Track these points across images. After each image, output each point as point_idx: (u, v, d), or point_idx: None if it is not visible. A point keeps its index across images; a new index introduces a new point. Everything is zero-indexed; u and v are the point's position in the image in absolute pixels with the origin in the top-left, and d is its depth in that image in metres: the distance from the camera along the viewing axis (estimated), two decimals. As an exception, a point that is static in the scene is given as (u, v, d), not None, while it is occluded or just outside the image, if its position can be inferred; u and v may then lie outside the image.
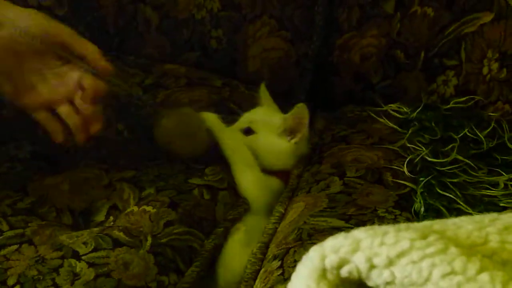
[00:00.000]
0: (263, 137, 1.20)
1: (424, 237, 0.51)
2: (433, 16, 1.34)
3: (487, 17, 1.32)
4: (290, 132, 1.20)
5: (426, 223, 0.56)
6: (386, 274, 0.50)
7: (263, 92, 1.28)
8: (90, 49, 1.00)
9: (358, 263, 0.51)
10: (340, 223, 0.98)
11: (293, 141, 1.20)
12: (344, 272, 0.52)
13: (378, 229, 0.52)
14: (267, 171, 1.19)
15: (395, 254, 0.50)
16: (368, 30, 1.39)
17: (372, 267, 0.50)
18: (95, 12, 1.49)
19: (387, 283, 0.50)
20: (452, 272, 0.48)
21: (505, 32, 1.31)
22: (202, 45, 1.47)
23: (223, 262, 1.06)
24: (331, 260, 0.52)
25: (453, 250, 0.49)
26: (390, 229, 0.52)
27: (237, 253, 1.05)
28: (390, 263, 0.50)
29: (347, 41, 1.41)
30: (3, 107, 1.20)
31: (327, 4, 1.41)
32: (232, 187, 1.16)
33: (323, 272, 0.52)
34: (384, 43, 1.38)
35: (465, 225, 0.56)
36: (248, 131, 1.21)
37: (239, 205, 1.15)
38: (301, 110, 1.19)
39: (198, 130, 1.17)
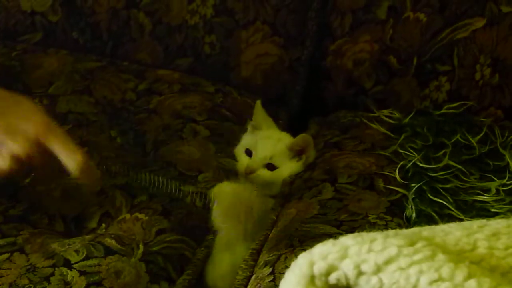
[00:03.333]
0: (284, 169, 1.19)
1: (412, 243, 0.51)
2: (425, 22, 1.35)
3: (479, 23, 1.32)
4: (297, 153, 1.20)
5: (415, 229, 0.57)
6: (374, 281, 0.50)
7: (259, 111, 1.24)
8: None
9: (346, 269, 0.51)
10: (332, 229, 0.98)
11: (300, 162, 1.20)
12: (332, 278, 0.52)
13: (366, 236, 0.52)
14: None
15: (383, 261, 0.50)
16: (361, 36, 1.39)
17: (360, 273, 0.51)
18: (89, 18, 1.49)
19: (375, 290, 0.50)
20: (440, 279, 0.48)
21: (497, 38, 1.32)
22: (195, 51, 1.47)
23: (210, 267, 1.05)
24: (319, 267, 0.52)
25: (440, 256, 0.50)
26: (378, 235, 0.52)
27: (222, 258, 1.05)
28: (378, 269, 0.50)
29: (340, 47, 1.41)
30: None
31: (320, 10, 1.41)
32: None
33: (311, 279, 0.52)
34: (376, 48, 1.38)
35: (453, 232, 0.56)
36: (271, 167, 1.20)
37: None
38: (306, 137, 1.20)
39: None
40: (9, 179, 0.94)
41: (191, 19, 1.46)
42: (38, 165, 0.93)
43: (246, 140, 1.22)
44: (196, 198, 1.09)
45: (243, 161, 1.19)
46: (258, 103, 1.25)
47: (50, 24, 1.51)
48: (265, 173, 1.17)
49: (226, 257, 1.04)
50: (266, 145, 1.20)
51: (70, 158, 0.92)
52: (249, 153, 1.19)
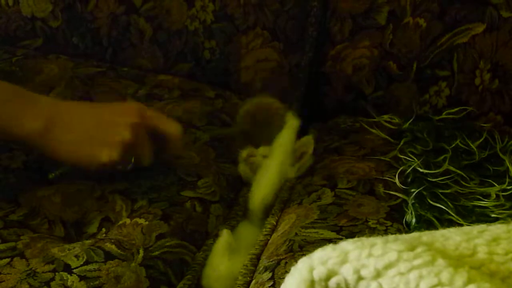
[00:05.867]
0: None
1: (411, 248, 0.51)
2: (425, 27, 1.35)
3: (479, 28, 1.32)
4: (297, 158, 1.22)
5: (415, 234, 0.57)
6: (374, 286, 0.50)
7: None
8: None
9: (346, 274, 0.51)
10: (332, 234, 0.98)
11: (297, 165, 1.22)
12: (332, 283, 0.52)
13: (366, 240, 0.52)
14: None
15: (383, 266, 0.50)
16: (361, 41, 1.39)
17: (360, 278, 0.51)
18: (89, 24, 1.50)
19: (375, 295, 0.50)
20: (439, 284, 0.48)
21: (497, 43, 1.32)
22: (195, 56, 1.47)
23: (207, 269, 1.05)
24: (319, 272, 0.52)
25: (440, 261, 0.50)
26: (377, 240, 0.52)
27: (220, 261, 1.05)
28: (378, 274, 0.50)
29: (339, 52, 1.41)
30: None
31: (320, 16, 1.42)
32: (225, 200, 1.16)
33: (311, 284, 0.53)
34: (376, 54, 1.38)
35: (453, 237, 0.56)
36: None
37: (231, 217, 1.15)
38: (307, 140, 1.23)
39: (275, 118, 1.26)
40: (115, 168, 1.05)
41: (191, 25, 1.46)
42: (139, 148, 1.05)
43: None
44: None
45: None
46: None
47: (50, 30, 1.51)
48: None
49: (225, 259, 1.04)
50: None
51: (170, 125, 1.08)
52: None
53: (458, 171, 1.14)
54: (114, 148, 1.01)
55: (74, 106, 1.09)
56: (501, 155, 1.21)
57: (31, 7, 1.51)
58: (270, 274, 0.91)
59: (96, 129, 1.02)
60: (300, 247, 0.95)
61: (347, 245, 0.52)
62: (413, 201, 1.06)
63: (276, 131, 1.23)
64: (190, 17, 1.46)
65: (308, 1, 1.41)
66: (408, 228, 1.01)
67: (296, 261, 0.54)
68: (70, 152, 1.02)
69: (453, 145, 1.21)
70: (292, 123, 1.26)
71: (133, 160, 1.06)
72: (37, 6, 1.50)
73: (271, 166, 1.19)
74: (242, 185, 1.21)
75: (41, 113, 1.01)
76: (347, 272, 0.51)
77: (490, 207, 1.06)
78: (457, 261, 0.51)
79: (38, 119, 1.00)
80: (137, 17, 1.48)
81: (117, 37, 1.49)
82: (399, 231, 1.00)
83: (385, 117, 1.34)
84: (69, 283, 0.90)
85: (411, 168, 1.14)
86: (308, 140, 1.23)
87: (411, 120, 1.31)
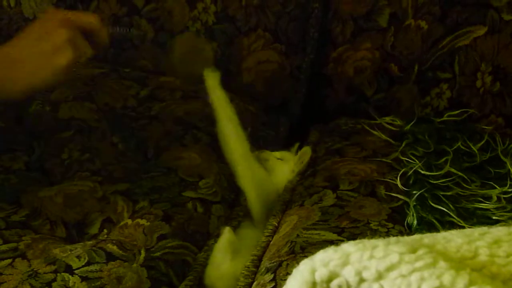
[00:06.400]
0: None
1: (413, 251, 0.51)
2: (426, 30, 1.35)
3: (481, 31, 1.32)
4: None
5: (416, 237, 0.57)
6: (375, 288, 0.50)
7: None
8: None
9: (347, 276, 0.51)
10: (333, 236, 0.98)
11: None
12: (334, 285, 0.52)
13: (367, 242, 0.52)
14: None
15: (385, 268, 0.50)
16: (362, 43, 1.40)
17: (361, 280, 0.51)
18: (91, 25, 1.50)
19: (376, 297, 0.50)
20: (441, 286, 0.48)
21: (498, 46, 1.32)
22: (197, 58, 1.47)
23: (209, 268, 1.05)
24: (321, 274, 0.52)
25: (442, 264, 0.50)
26: (379, 242, 0.52)
27: (223, 260, 1.05)
28: (380, 276, 0.50)
29: (341, 54, 1.41)
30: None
31: (322, 17, 1.42)
32: (226, 200, 1.16)
33: (313, 286, 0.53)
34: (378, 56, 1.38)
35: (455, 239, 0.56)
36: None
37: (232, 218, 1.15)
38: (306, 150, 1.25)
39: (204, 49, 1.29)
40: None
41: (193, 26, 1.46)
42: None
43: None
44: None
45: None
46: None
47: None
48: None
49: (227, 258, 1.04)
50: None
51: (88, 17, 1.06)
52: None
53: (460, 173, 1.14)
54: (64, 49, 1.01)
55: (11, 43, 1.06)
56: (502, 157, 1.21)
57: (33, 8, 1.51)
58: (272, 276, 0.91)
59: (38, 47, 1.02)
60: (301, 249, 0.95)
61: (348, 247, 0.52)
62: (414, 203, 1.06)
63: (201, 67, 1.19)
64: (192, 19, 1.46)
65: (309, 3, 1.41)
66: (409, 230, 1.02)
67: (297, 263, 0.54)
68: (32, 79, 1.01)
69: (455, 147, 1.21)
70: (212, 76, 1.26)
71: (90, 50, 1.06)
72: (38, 7, 1.51)
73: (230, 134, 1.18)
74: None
75: None
76: (348, 274, 0.51)
77: (491, 209, 1.07)
78: (458, 263, 0.51)
79: None
80: (139, 18, 1.48)
81: (119, 38, 1.49)
82: (401, 233, 1.00)
83: (387, 119, 1.35)
84: (70, 284, 0.90)
85: (412, 170, 1.14)
86: (307, 150, 1.25)
87: (412, 122, 1.31)
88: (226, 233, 1.04)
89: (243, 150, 1.12)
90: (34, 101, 1.28)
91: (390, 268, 0.50)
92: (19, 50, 1.03)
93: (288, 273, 0.87)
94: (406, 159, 1.18)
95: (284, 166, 1.23)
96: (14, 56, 1.02)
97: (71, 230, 1.04)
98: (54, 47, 1.01)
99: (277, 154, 1.25)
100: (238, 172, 1.12)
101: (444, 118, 1.33)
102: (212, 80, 1.16)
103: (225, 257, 1.03)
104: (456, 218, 1.03)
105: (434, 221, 1.02)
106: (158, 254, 0.99)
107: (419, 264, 0.50)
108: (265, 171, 1.19)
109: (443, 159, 1.18)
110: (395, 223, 1.02)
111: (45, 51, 1.01)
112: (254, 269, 0.98)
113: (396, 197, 1.09)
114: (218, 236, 1.06)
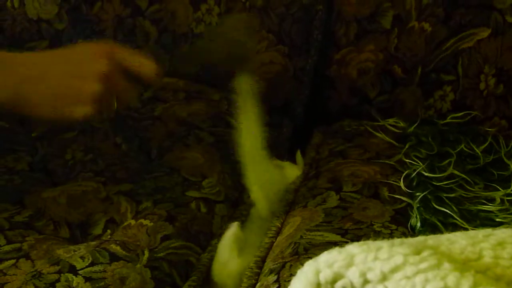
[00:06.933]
0: None
1: (417, 252, 0.51)
2: (430, 32, 1.35)
3: (484, 33, 1.32)
4: None
5: (420, 238, 0.57)
6: (379, 289, 0.50)
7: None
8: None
9: (352, 277, 0.51)
10: (336, 237, 0.98)
11: None
12: (338, 286, 0.52)
13: (372, 244, 0.52)
14: None
15: (389, 269, 0.50)
16: (366, 45, 1.40)
17: (366, 282, 0.51)
18: (95, 26, 1.50)
19: (381, 298, 0.50)
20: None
21: (501, 48, 1.32)
22: (201, 59, 1.47)
23: (217, 266, 1.04)
24: (325, 275, 0.52)
25: (446, 265, 0.50)
26: (384, 244, 0.52)
27: (229, 257, 1.05)
28: (384, 278, 0.50)
29: (344, 56, 1.41)
30: (2, 118, 1.20)
31: (325, 19, 1.42)
32: (229, 199, 1.16)
33: (317, 287, 0.53)
34: (381, 58, 1.38)
35: (459, 241, 0.56)
36: None
37: (236, 217, 1.15)
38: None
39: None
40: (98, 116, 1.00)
41: (197, 28, 1.46)
42: (118, 92, 0.99)
43: None
44: None
45: None
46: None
47: (56, 32, 1.51)
48: None
49: (233, 253, 1.04)
50: None
51: (144, 65, 1.00)
52: None
53: (463, 175, 1.14)
54: (86, 103, 0.96)
55: (42, 58, 1.02)
56: (505, 159, 1.21)
57: (37, 9, 1.51)
58: (276, 277, 0.91)
59: (65, 84, 0.97)
60: (305, 250, 0.95)
61: (353, 248, 0.52)
62: (418, 205, 1.06)
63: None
64: (195, 20, 1.46)
65: (313, 5, 1.41)
66: (413, 232, 1.02)
67: (301, 264, 0.55)
68: (44, 112, 0.98)
69: (458, 149, 1.21)
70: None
71: (116, 105, 1.01)
72: (42, 8, 1.51)
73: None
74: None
75: (9, 79, 0.96)
76: (353, 275, 0.51)
77: (495, 212, 1.07)
78: (462, 265, 0.51)
79: (7, 87, 0.96)
80: (142, 20, 1.48)
81: (123, 39, 1.49)
82: (404, 235, 1.00)
83: (390, 121, 1.35)
84: (74, 284, 0.90)
85: (416, 172, 1.14)
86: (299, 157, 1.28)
87: (416, 124, 1.31)
88: (234, 229, 1.04)
89: (258, 156, 1.12)
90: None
91: (394, 270, 0.50)
92: (47, 63, 0.99)
93: (292, 274, 0.87)
94: (410, 161, 1.18)
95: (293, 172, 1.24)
96: (39, 68, 0.98)
97: (74, 230, 1.04)
98: (75, 98, 0.96)
99: (282, 163, 1.25)
100: (247, 171, 1.12)
101: (448, 120, 1.33)
102: (245, 85, 1.13)
103: (232, 253, 1.03)
104: (459, 220, 1.03)
105: (438, 223, 1.02)
106: (161, 254, 0.99)
107: (423, 265, 0.50)
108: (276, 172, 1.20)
109: (447, 161, 1.18)
110: (398, 225, 1.02)
111: (72, 73, 0.97)
112: (257, 270, 0.98)
113: (400, 199, 1.09)
114: (221, 235, 1.06)
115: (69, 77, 0.97)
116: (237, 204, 1.18)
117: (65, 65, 0.98)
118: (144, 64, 1.01)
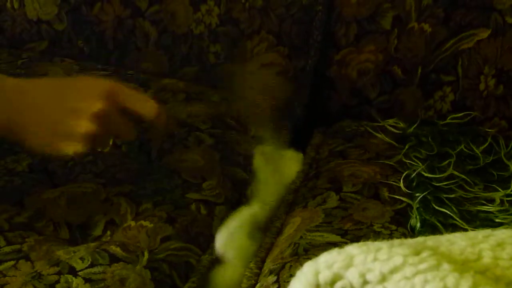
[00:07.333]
0: None
1: (417, 253, 0.51)
2: (430, 32, 1.35)
3: (484, 34, 1.33)
4: None
5: (420, 239, 0.57)
6: (379, 290, 0.50)
7: None
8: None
9: (351, 278, 0.51)
10: (336, 238, 0.98)
11: None
12: (337, 287, 0.52)
13: (371, 245, 0.52)
14: None
15: (388, 270, 0.50)
16: (366, 46, 1.40)
17: (365, 282, 0.51)
18: (94, 27, 1.50)
19: (380, 299, 0.50)
20: (445, 288, 0.48)
21: (501, 49, 1.32)
22: (200, 60, 1.47)
23: (222, 235, 1.04)
24: (324, 276, 0.52)
25: (446, 266, 0.50)
26: (383, 245, 0.52)
27: (238, 230, 1.05)
28: (383, 279, 0.50)
29: (344, 57, 1.41)
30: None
31: (325, 20, 1.42)
32: (229, 201, 1.16)
33: (317, 288, 0.53)
34: (381, 58, 1.38)
35: (458, 241, 0.56)
36: None
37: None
38: None
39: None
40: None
41: (196, 29, 1.46)
42: (114, 129, 0.98)
43: None
44: None
45: None
46: None
47: (56, 33, 1.52)
48: None
49: (243, 230, 1.04)
50: None
51: (144, 107, 0.97)
52: None
53: (463, 176, 1.14)
54: (78, 141, 0.94)
55: (39, 86, 0.99)
56: (505, 160, 1.21)
57: (37, 10, 1.51)
58: (275, 277, 0.91)
59: (60, 119, 0.94)
60: (305, 251, 0.95)
61: (352, 249, 0.52)
62: (417, 206, 1.06)
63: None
64: (195, 21, 1.46)
65: (313, 5, 1.41)
66: (412, 233, 1.02)
67: (301, 265, 0.55)
68: (34, 144, 0.96)
69: (458, 150, 1.22)
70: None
71: (111, 142, 1.02)
72: (42, 9, 1.51)
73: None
74: (247, 186, 1.21)
75: (2, 106, 0.94)
76: (352, 276, 0.51)
77: (495, 212, 1.07)
78: (462, 265, 0.51)
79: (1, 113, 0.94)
80: (142, 21, 1.48)
81: (123, 40, 1.50)
82: (404, 236, 1.00)
83: (390, 121, 1.35)
84: (74, 286, 0.90)
85: (415, 172, 1.14)
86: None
87: (415, 125, 1.31)
88: (255, 207, 1.04)
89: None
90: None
91: (394, 270, 0.50)
92: (44, 93, 0.97)
93: (292, 275, 0.87)
94: (409, 161, 1.19)
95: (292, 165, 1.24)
96: (35, 97, 0.96)
97: (74, 231, 1.04)
98: (68, 135, 0.94)
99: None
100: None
101: (448, 121, 1.33)
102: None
103: (241, 228, 1.03)
104: (459, 220, 1.03)
105: (437, 223, 1.02)
106: (161, 256, 0.99)
107: (422, 266, 0.50)
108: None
109: (446, 162, 1.18)
110: (398, 226, 1.03)
111: (69, 110, 0.94)
112: (257, 270, 0.98)
113: (399, 199, 1.09)
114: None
115: (65, 113, 0.94)
116: (237, 206, 1.18)
117: (62, 99, 0.96)
118: (145, 106, 0.98)
